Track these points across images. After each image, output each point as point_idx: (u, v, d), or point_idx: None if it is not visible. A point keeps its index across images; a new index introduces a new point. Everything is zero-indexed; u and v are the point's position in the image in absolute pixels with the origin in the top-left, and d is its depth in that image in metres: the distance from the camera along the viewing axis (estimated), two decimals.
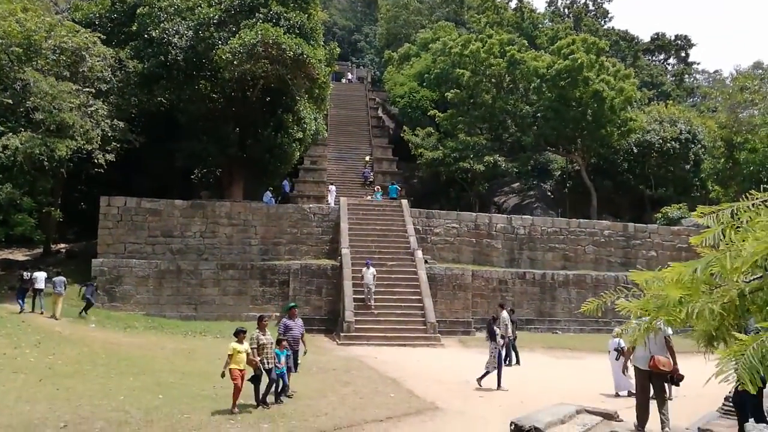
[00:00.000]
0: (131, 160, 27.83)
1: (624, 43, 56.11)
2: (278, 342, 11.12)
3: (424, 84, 41.75)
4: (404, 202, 27.61)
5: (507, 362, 17.32)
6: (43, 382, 11.76)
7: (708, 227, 4.01)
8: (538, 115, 35.89)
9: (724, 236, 3.95)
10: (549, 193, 39.60)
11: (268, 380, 10.62)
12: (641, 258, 27.47)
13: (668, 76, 59.94)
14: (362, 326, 20.64)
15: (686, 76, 61.82)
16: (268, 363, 10.55)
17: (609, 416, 7.56)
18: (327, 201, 30.10)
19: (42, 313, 19.74)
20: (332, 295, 23.10)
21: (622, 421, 8.50)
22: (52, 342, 15.77)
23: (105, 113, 24.57)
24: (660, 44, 63.33)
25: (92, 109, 23.92)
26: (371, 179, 35.67)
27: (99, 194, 24.96)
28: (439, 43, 42.43)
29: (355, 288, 21.65)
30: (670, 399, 12.12)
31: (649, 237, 28.47)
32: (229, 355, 10.13)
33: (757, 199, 3.89)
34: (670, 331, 8.46)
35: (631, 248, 28.09)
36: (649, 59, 61.64)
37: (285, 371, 11.04)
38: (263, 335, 10.74)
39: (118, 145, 25.67)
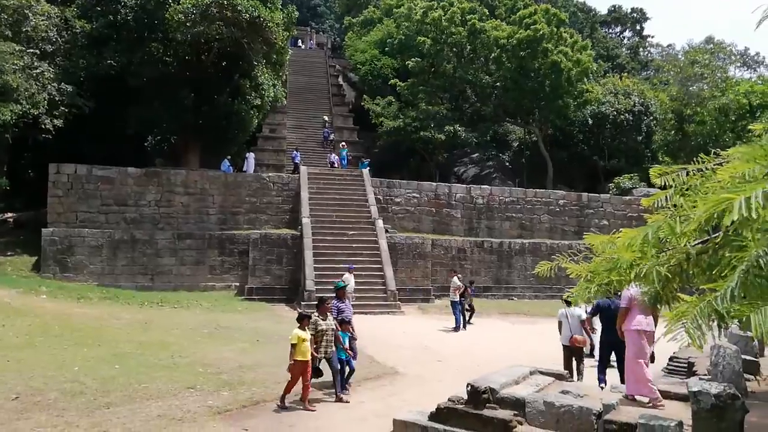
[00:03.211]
0: (81, 127, 26.64)
1: (582, 15, 56.68)
2: (341, 323, 10.30)
3: (386, 51, 41.21)
4: (365, 171, 27.55)
5: (456, 327, 17.67)
6: None
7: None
8: (498, 85, 36.10)
9: (670, 200, 4.10)
10: (507, 164, 40.19)
11: (332, 371, 9.69)
12: (594, 227, 28.37)
13: (624, 48, 61.03)
14: (323, 295, 20.66)
15: (641, 49, 63.06)
16: (326, 352, 9.67)
17: (560, 376, 7.94)
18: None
19: None
20: (293, 264, 23.03)
21: (572, 380, 8.96)
22: (1, 313, 15.26)
23: (51, 76, 23.43)
24: (616, 17, 64.33)
25: (37, 71, 22.77)
26: (331, 138, 35.00)
27: (47, 162, 23.92)
28: (403, 8, 41.82)
29: (316, 258, 21.64)
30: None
31: (601, 206, 29.45)
32: (292, 344, 9.05)
33: (707, 163, 4.02)
34: (583, 315, 10.63)
35: (584, 217, 29.00)
36: (605, 31, 62.54)
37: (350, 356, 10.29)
38: (323, 320, 9.83)
39: (66, 110, 24.59)
